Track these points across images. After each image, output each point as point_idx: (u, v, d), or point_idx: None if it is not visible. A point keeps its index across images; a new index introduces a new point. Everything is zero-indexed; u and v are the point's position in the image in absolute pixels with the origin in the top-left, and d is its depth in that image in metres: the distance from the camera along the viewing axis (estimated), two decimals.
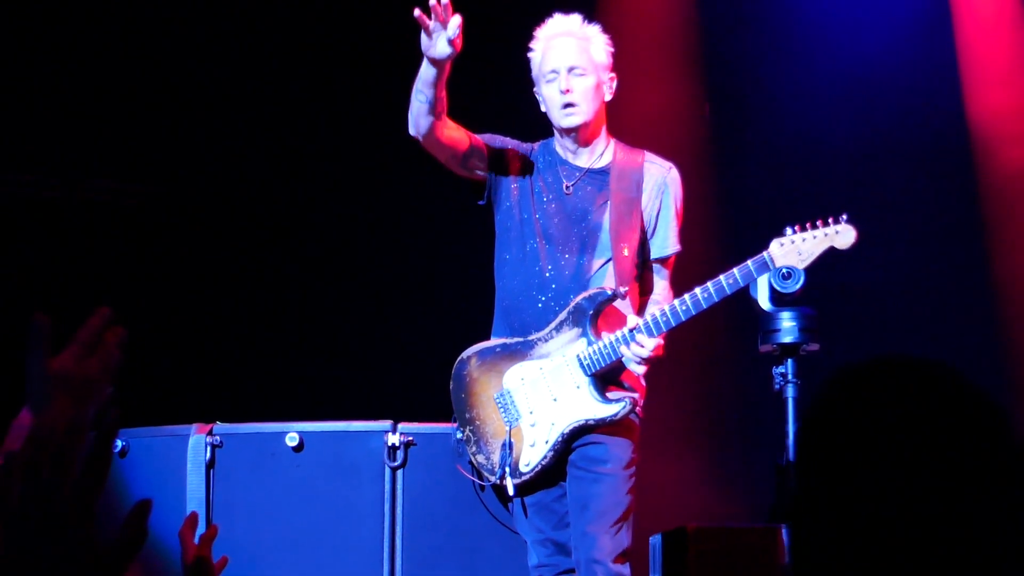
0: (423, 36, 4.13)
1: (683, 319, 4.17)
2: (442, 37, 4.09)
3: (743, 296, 4.30)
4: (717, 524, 4.69)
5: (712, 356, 6.43)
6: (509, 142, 4.48)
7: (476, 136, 4.43)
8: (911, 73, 6.70)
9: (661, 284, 4.45)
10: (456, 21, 4.09)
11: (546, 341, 4.28)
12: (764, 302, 4.43)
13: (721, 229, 6.61)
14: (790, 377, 4.62)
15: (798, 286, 4.29)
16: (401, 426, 4.76)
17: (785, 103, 6.84)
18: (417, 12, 4.09)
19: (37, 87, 6.62)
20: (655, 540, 4.88)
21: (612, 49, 4.43)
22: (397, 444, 4.72)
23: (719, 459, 6.61)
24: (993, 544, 1.41)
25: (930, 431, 1.42)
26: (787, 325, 4.58)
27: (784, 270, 4.29)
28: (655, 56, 6.69)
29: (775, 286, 4.28)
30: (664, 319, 4.16)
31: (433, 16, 4.09)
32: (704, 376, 6.51)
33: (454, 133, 4.36)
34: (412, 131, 4.35)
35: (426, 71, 4.20)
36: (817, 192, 6.78)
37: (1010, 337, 6.66)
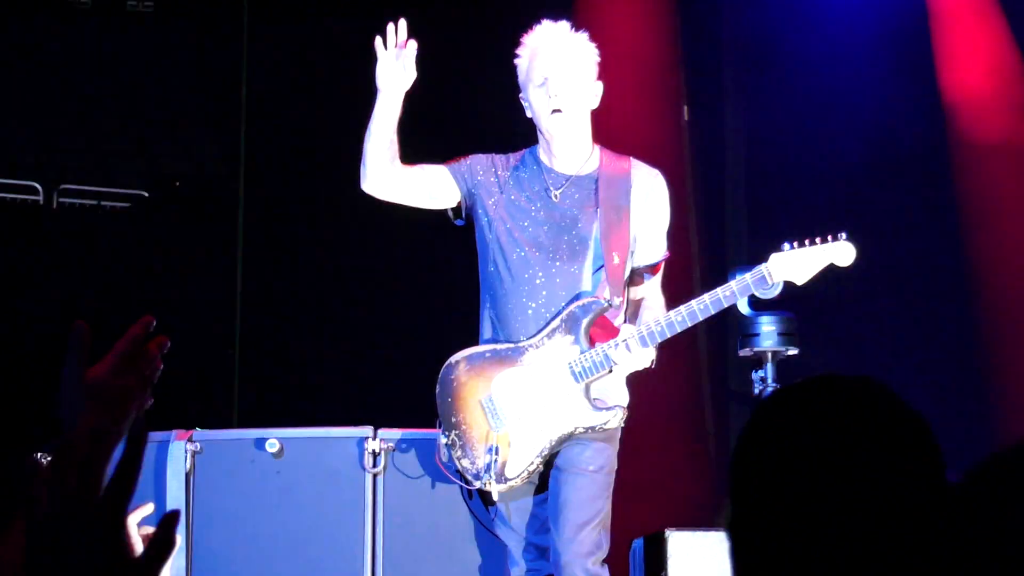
0: (379, 67, 4.20)
1: (677, 330, 4.17)
2: (400, 64, 4.17)
3: None
4: (696, 528, 4.71)
5: (692, 360, 6.44)
6: (479, 159, 4.46)
7: (433, 166, 4.43)
8: (890, 75, 6.74)
9: (652, 290, 4.44)
10: (413, 45, 4.16)
11: (537, 348, 4.28)
12: (743, 307, 4.45)
13: (700, 233, 6.63)
14: (770, 381, 4.65)
15: (777, 292, 4.31)
16: (381, 432, 4.76)
17: (764, 107, 6.87)
18: (378, 40, 4.15)
19: (19, 91, 6.60)
20: (636, 544, 4.89)
21: (599, 59, 4.45)
22: (377, 450, 4.72)
23: (699, 463, 6.63)
24: (919, 554, 1.43)
25: (858, 448, 1.46)
26: (767, 330, 4.61)
27: None
28: (633, 60, 6.71)
29: (755, 292, 4.30)
30: (659, 330, 4.16)
31: (390, 40, 4.15)
32: (684, 381, 6.52)
33: (410, 174, 4.38)
34: (366, 183, 4.36)
35: (380, 106, 4.25)
36: (797, 197, 6.81)
37: (987, 336, 6.70)
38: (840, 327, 6.43)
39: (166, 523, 1.35)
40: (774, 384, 4.59)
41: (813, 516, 1.43)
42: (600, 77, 4.46)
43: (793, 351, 4.66)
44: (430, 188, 4.41)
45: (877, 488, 1.44)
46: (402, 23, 4.19)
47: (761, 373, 4.64)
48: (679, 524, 4.73)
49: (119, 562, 1.31)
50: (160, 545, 1.34)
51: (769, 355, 4.69)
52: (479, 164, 4.44)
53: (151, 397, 1.46)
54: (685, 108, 7.01)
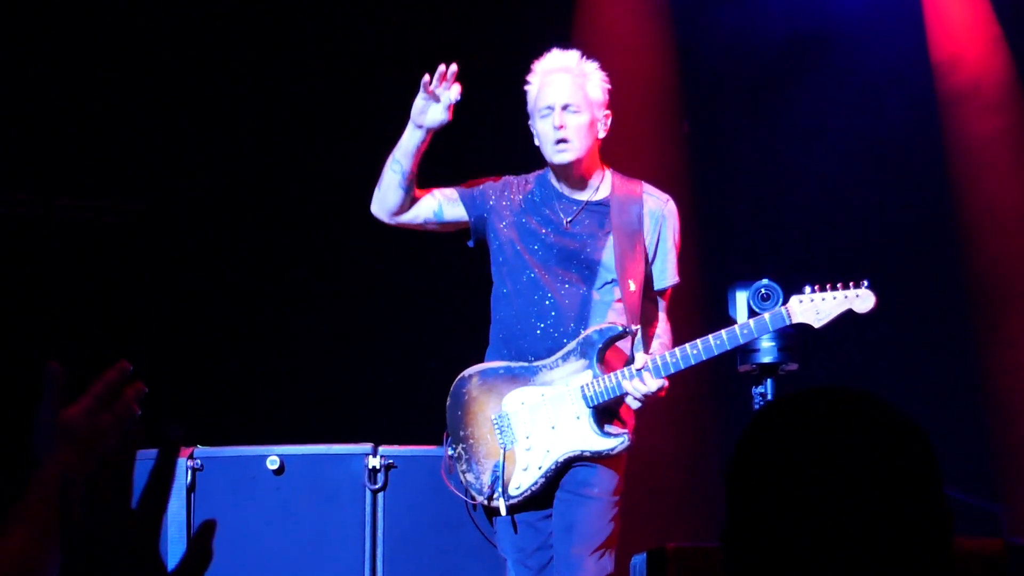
0: (418, 100, 4.24)
1: (692, 363, 4.18)
2: (441, 104, 4.22)
3: (723, 317, 4.32)
4: (698, 543, 4.70)
5: (691, 376, 6.44)
6: (492, 184, 4.49)
7: (444, 190, 4.46)
8: (888, 79, 6.74)
9: (660, 317, 4.47)
10: (457, 88, 4.21)
11: (551, 369, 4.29)
12: (742, 319, 4.45)
13: (701, 246, 6.62)
14: (769, 397, 4.64)
15: (776, 307, 4.31)
16: (382, 449, 4.76)
17: (765, 118, 6.87)
18: (426, 77, 4.19)
19: (13, 102, 6.60)
20: (637, 560, 4.88)
21: (609, 86, 4.46)
22: (378, 467, 4.73)
23: (700, 478, 6.62)
24: (916, 564, 1.43)
25: (854, 458, 1.46)
26: (766, 345, 4.60)
27: (763, 290, 4.31)
28: (630, 73, 6.71)
29: (754, 307, 4.30)
30: (674, 361, 4.17)
31: (436, 80, 4.19)
32: (683, 396, 6.51)
33: (422, 202, 4.43)
34: (377, 209, 4.43)
35: (409, 139, 4.30)
36: (799, 208, 6.80)
37: (988, 352, 6.70)
38: (840, 342, 6.42)
39: (202, 533, 1.35)
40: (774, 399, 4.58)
41: (808, 526, 1.44)
42: (608, 94, 4.46)
43: (793, 366, 4.66)
44: (439, 213, 4.43)
45: (873, 499, 1.44)
46: (453, 66, 4.23)
47: (761, 388, 4.64)
48: (680, 539, 4.72)
49: (156, 573, 1.31)
50: (197, 556, 1.34)
51: (769, 370, 4.69)
52: (492, 189, 4.46)
53: (126, 439, 1.46)
54: (685, 121, 7.02)
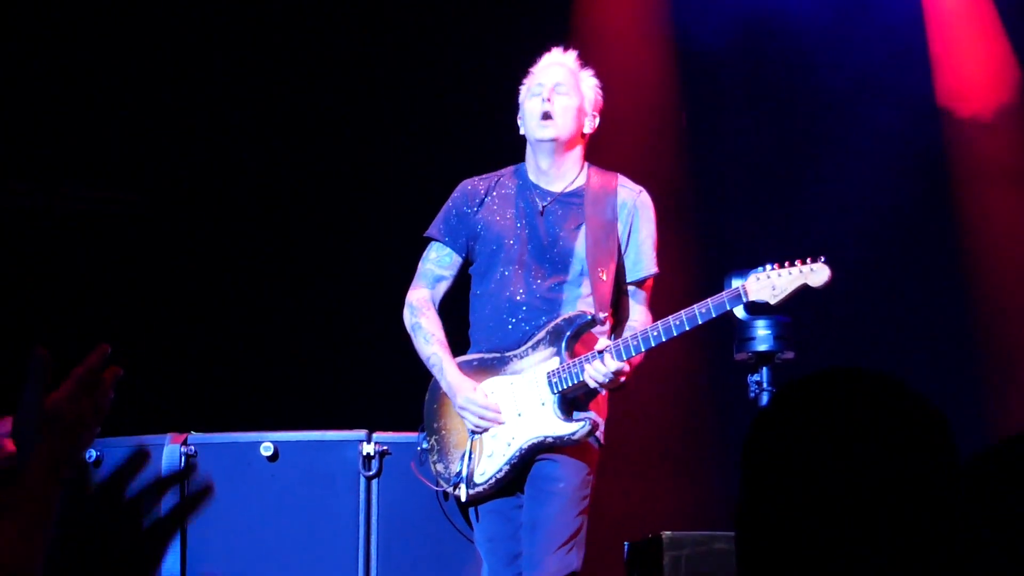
0: (459, 394, 4.30)
1: (652, 345, 4.16)
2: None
3: None
4: (692, 530, 4.71)
5: (687, 364, 6.44)
6: (461, 202, 4.48)
7: (436, 263, 4.49)
8: (891, 78, 6.75)
9: (638, 308, 4.45)
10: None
11: (521, 358, 4.30)
12: (739, 311, 4.45)
13: (698, 238, 6.63)
14: (765, 385, 4.64)
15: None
16: (376, 435, 4.76)
17: (764, 110, 6.87)
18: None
19: (16, 91, 6.59)
20: (631, 547, 4.88)
21: (601, 95, 4.50)
22: (372, 453, 4.72)
23: (695, 467, 6.62)
24: (933, 551, 1.43)
25: (874, 441, 1.45)
26: (762, 333, 4.60)
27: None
28: (628, 68, 6.71)
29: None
30: (634, 344, 4.17)
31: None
32: (680, 384, 6.52)
33: (445, 284, 4.50)
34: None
35: (441, 376, 4.37)
36: (794, 206, 6.80)
37: (985, 341, 6.71)
38: (836, 331, 6.43)
39: (94, 362, 1.32)
40: (769, 388, 4.58)
41: (822, 509, 1.43)
42: (601, 100, 4.50)
43: (789, 355, 4.66)
44: (460, 267, 4.46)
45: (888, 484, 1.43)
46: None
47: (757, 377, 4.64)
48: (675, 526, 4.73)
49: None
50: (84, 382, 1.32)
51: (765, 358, 4.68)
52: (464, 206, 4.48)
53: (99, 426, 1.45)
54: (683, 113, 7.02)
